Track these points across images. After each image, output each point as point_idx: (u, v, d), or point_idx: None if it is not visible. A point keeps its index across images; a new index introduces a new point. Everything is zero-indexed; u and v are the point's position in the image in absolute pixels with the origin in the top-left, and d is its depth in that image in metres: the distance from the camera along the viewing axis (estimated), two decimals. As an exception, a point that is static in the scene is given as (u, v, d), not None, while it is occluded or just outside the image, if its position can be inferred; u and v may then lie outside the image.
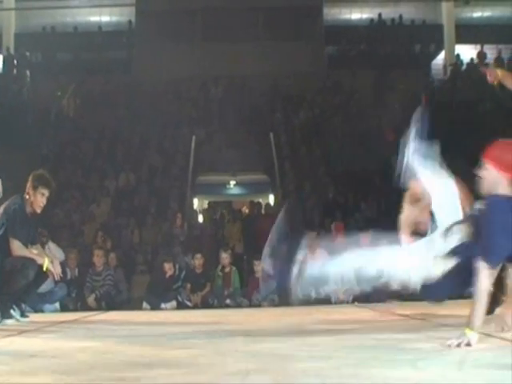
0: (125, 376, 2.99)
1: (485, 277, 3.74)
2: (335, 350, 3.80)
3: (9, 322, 6.52)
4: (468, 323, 3.71)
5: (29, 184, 6.86)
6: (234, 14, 22.86)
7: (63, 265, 9.72)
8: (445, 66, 23.98)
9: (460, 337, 3.66)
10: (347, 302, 10.92)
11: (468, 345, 3.59)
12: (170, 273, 11.34)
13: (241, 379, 2.77)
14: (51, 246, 10.84)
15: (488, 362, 3.03)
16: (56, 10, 24.81)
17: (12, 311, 6.74)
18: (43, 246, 9.59)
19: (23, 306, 7.35)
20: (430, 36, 24.75)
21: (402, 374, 2.80)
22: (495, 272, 3.81)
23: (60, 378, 2.97)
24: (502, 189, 3.87)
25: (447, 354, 3.46)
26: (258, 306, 10.90)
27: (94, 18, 25.71)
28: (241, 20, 22.99)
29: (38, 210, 6.92)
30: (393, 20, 24.74)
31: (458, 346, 3.60)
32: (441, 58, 25.11)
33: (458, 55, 23.91)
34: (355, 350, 3.75)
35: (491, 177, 3.93)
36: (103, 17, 25.87)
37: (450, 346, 3.62)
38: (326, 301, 11.18)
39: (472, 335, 3.66)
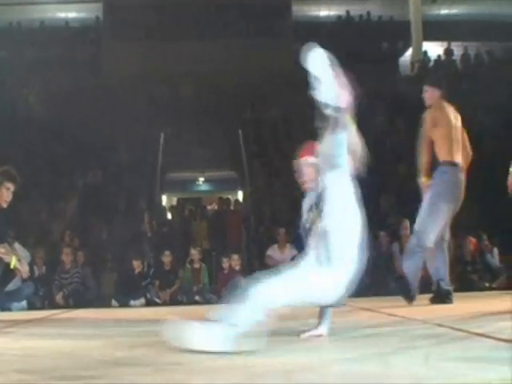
0: (90, 374, 2.98)
1: None
2: (304, 344, 3.80)
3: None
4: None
5: (-6, 180, 6.79)
6: (203, 11, 22.83)
7: (30, 264, 9.67)
8: (412, 63, 24.15)
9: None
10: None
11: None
12: (138, 270, 11.31)
13: (210, 379, 2.77)
14: (17, 246, 10.72)
15: (453, 356, 3.05)
16: (23, 5, 24.61)
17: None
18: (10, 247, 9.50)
19: (-10, 304, 7.29)
20: (397, 33, 24.92)
21: (371, 370, 2.81)
22: None
23: (24, 378, 2.95)
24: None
25: (415, 348, 3.49)
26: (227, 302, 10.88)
27: (61, 14, 25.53)
28: (210, 16, 22.96)
29: (4, 205, 6.84)
30: (361, 16, 24.89)
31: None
32: (408, 54, 25.30)
33: (425, 52, 24.13)
34: (324, 345, 3.76)
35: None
36: (70, 13, 25.71)
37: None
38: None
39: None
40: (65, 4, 25.51)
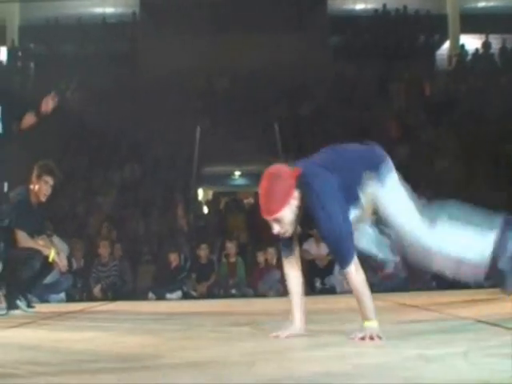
0: (132, 366, 3.00)
1: (356, 270, 3.76)
2: (340, 338, 3.80)
3: (15, 312, 6.55)
4: (364, 317, 3.71)
5: (33, 174, 6.87)
6: (238, 6, 22.81)
7: (69, 257, 9.78)
8: (449, 57, 23.91)
9: (362, 330, 3.63)
10: (352, 292, 10.93)
11: (373, 337, 3.56)
12: (175, 263, 11.37)
13: (246, 369, 2.77)
14: (56, 240, 10.86)
15: (493, 352, 3.02)
16: (60, 1, 24.79)
17: (18, 302, 6.76)
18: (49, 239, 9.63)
19: (29, 296, 7.38)
20: (434, 26, 24.67)
21: (409, 364, 2.80)
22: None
23: (67, 369, 2.99)
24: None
25: (454, 342, 3.47)
26: (264, 295, 10.92)
27: (98, 10, 25.68)
28: (245, 11, 22.93)
29: (43, 199, 6.92)
30: (397, 10, 24.67)
31: (363, 339, 3.56)
32: (445, 48, 25.05)
33: (462, 45, 23.86)
34: (360, 340, 3.75)
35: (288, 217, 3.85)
36: (107, 8, 25.84)
37: (353, 338, 3.61)
38: (330, 291, 11.26)
39: (373, 326, 3.65)
40: (102, -1, 25.69)
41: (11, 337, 4.60)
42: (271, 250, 11.35)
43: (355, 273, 3.76)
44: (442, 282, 11.17)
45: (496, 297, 7.25)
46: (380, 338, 3.55)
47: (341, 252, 3.77)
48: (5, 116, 6.47)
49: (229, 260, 11.72)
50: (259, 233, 13.48)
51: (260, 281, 11.41)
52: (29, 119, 6.67)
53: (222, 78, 21.25)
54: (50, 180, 6.91)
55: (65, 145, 17.87)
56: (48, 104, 6.70)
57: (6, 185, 6.49)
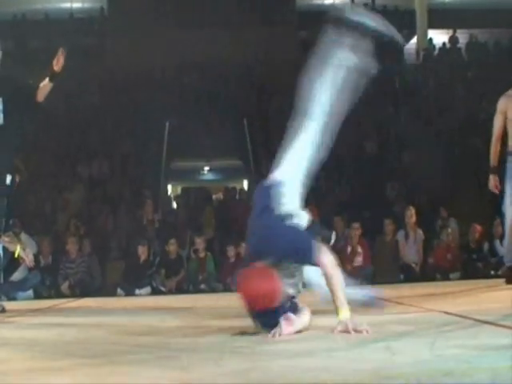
0: (99, 362, 2.99)
1: (326, 254, 3.71)
2: (308, 333, 3.81)
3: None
4: (337, 309, 3.63)
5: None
6: (206, 0, 22.78)
7: (36, 254, 9.70)
8: (417, 51, 24.09)
9: (340, 324, 3.54)
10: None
11: (356, 330, 3.48)
12: (143, 257, 11.31)
13: (213, 364, 2.77)
14: (24, 237, 10.76)
15: (459, 343, 3.05)
16: (27, -4, 24.60)
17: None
18: (16, 237, 9.54)
19: (-4, 294, 7.31)
20: (402, 21, 24.79)
21: (376, 356, 2.82)
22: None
23: (30, 365, 2.96)
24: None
25: (419, 334, 3.50)
26: (234, 290, 10.91)
27: (66, 5, 25.50)
28: (214, 6, 22.89)
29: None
30: (365, 5, 24.72)
31: (344, 332, 3.47)
32: (413, 42, 25.23)
33: (430, 40, 24.05)
34: (328, 334, 3.76)
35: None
36: (74, 3, 25.67)
37: (334, 332, 3.52)
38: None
39: (347, 317, 3.56)
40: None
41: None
42: (245, 245, 11.24)
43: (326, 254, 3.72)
44: (409, 275, 11.29)
45: (464, 289, 7.34)
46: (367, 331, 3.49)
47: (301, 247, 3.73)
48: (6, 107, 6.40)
49: (198, 255, 11.70)
50: (228, 227, 13.49)
51: (230, 276, 11.40)
52: (45, 87, 6.58)
53: (191, 74, 21.18)
54: (15, 177, 6.84)
55: (32, 141, 17.69)
56: (59, 61, 6.59)
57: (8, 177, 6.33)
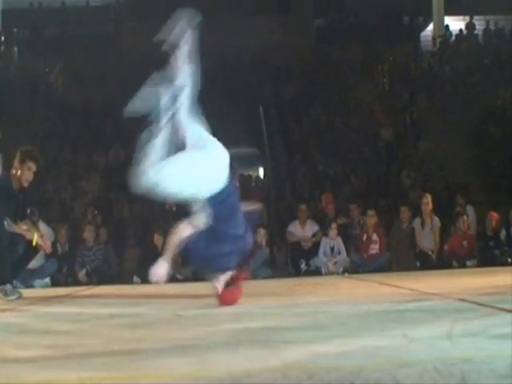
0: (116, 349, 3.00)
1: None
2: (324, 320, 3.81)
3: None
4: None
5: (16, 159, 6.83)
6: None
7: (54, 242, 9.75)
8: (434, 38, 23.92)
9: None
10: (337, 274, 10.99)
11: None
12: (159, 245, 11.33)
13: (231, 351, 2.78)
14: (41, 226, 10.82)
15: (477, 331, 3.05)
16: (43, -15, 24.59)
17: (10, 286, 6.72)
18: (34, 225, 9.59)
19: (14, 281, 7.34)
20: (418, 8, 24.66)
21: (393, 343, 2.82)
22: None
23: (49, 353, 2.98)
24: None
25: (436, 322, 3.49)
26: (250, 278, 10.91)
27: (82, -7, 25.48)
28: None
29: (25, 185, 6.89)
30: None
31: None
32: (430, 29, 25.04)
33: (446, 26, 23.86)
34: (344, 321, 3.77)
35: None
36: (91, -9, 25.63)
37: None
38: (315, 272, 11.29)
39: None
40: (85, -17, 25.47)
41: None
42: (262, 231, 11.24)
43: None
44: (425, 262, 11.26)
45: (480, 276, 7.31)
46: None
47: None
48: None
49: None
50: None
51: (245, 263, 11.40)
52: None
53: (206, 61, 21.12)
54: (32, 166, 6.88)
55: (49, 128, 17.78)
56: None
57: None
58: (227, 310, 4.74)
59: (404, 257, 11.71)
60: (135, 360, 2.69)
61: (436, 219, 11.72)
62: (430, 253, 11.55)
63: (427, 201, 11.71)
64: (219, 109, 18.39)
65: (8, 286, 6.33)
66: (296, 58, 20.85)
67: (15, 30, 23.68)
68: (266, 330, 3.45)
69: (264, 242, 11.38)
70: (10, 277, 6.46)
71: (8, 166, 6.90)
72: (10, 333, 3.84)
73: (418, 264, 11.44)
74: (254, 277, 10.89)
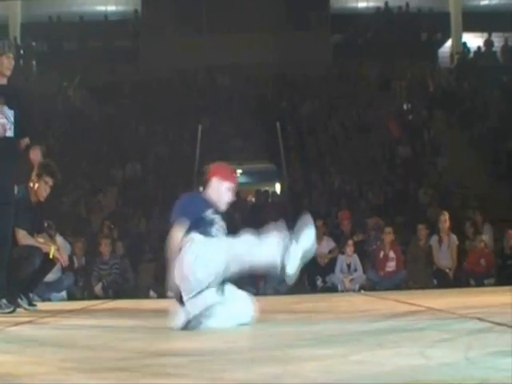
0: (132, 364, 2.99)
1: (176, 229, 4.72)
2: (341, 337, 3.79)
3: (17, 310, 6.53)
4: None
5: (34, 173, 6.87)
6: (240, 3, 22.78)
7: (70, 256, 9.78)
8: (452, 55, 23.90)
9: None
10: (353, 291, 10.94)
11: None
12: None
13: (246, 369, 2.76)
14: (58, 239, 10.86)
15: (495, 350, 3.01)
16: (62, -1, 24.84)
17: (19, 300, 6.74)
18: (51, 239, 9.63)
19: (31, 294, 7.36)
20: (436, 24, 24.64)
21: (410, 362, 2.79)
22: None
23: (65, 366, 2.97)
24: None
25: (454, 341, 3.46)
26: (264, 294, 10.91)
27: (100, 7, 25.67)
28: (247, 9, 22.91)
29: (42, 199, 6.94)
30: (399, 8, 24.63)
31: None
32: (448, 46, 25.02)
33: (464, 43, 23.82)
34: (361, 338, 3.74)
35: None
36: (109, 6, 25.83)
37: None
38: (332, 289, 11.25)
39: None
40: (104, -3, 25.70)
41: (11, 336, 4.58)
42: None
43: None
44: (442, 280, 11.19)
45: (498, 295, 7.26)
46: None
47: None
48: (19, 120, 6.48)
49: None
50: (260, 230, 13.47)
51: (262, 279, 11.39)
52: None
53: (224, 76, 21.23)
54: (49, 181, 6.93)
55: (66, 142, 17.87)
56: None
57: (16, 188, 6.45)
58: (243, 326, 4.72)
59: (421, 274, 11.65)
60: (153, 374, 2.68)
61: (453, 237, 11.66)
62: (447, 271, 11.48)
63: (445, 218, 11.66)
64: (236, 124, 18.46)
65: (3, 301, 6.30)
66: (313, 73, 20.87)
67: (34, 43, 23.89)
68: (282, 347, 3.43)
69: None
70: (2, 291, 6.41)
71: (26, 179, 6.93)
72: (29, 346, 3.84)
73: (435, 282, 11.38)
74: (273, 293, 10.90)
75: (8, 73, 6.63)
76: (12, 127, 6.40)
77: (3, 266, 6.27)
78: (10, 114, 6.42)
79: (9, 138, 6.31)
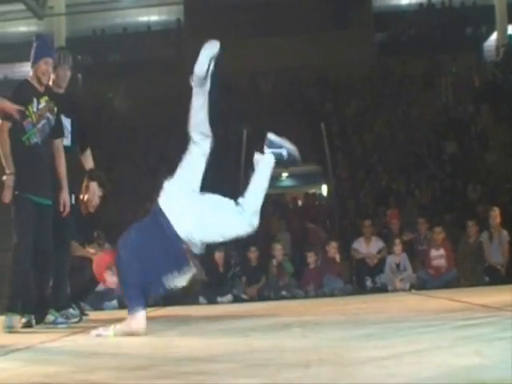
0: (187, 370, 2.99)
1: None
2: (394, 338, 3.74)
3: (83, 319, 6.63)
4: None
5: (83, 184, 6.94)
6: (281, 7, 22.79)
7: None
8: (497, 47, 23.57)
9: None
10: (404, 290, 10.84)
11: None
12: (220, 263, 11.38)
13: (301, 371, 2.74)
14: (107, 247, 10.93)
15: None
16: (105, 12, 25.13)
17: (71, 310, 6.80)
18: (101, 248, 9.71)
19: (82, 304, 7.43)
20: (481, 17, 24.34)
21: (466, 361, 2.74)
22: None
23: (121, 375, 2.98)
24: None
25: (510, 340, 3.39)
26: (314, 296, 10.87)
27: (143, 18, 25.94)
28: (289, 12, 22.90)
29: (92, 210, 7.00)
30: (443, 3, 24.41)
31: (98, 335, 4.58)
32: (493, 39, 24.70)
33: (510, 36, 23.50)
34: (414, 338, 3.69)
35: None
36: (152, 16, 26.09)
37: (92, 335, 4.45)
38: (381, 289, 11.16)
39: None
40: (146, 8, 25.91)
41: (64, 345, 4.62)
42: (334, 244, 11.54)
43: None
44: (494, 277, 11.01)
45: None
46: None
47: None
48: (75, 129, 6.59)
49: (276, 262, 11.69)
50: (307, 233, 13.45)
51: (310, 282, 11.36)
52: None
53: (266, 80, 21.25)
54: (99, 192, 6.99)
55: (113, 152, 18.04)
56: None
57: (73, 197, 6.52)
58: (295, 328, 4.69)
59: (472, 272, 11.49)
60: (206, 380, 2.68)
61: (504, 233, 11.49)
62: (499, 267, 11.31)
63: (495, 214, 11.49)
64: (281, 127, 18.41)
65: (70, 311, 6.39)
66: (357, 72, 20.76)
67: (79, 57, 24.21)
68: (335, 349, 3.40)
69: (338, 258, 11.46)
70: (69, 302, 6.52)
71: (76, 189, 6.98)
72: (82, 356, 3.87)
73: (486, 279, 11.21)
74: (321, 295, 10.87)
75: (64, 84, 6.72)
76: (69, 136, 6.50)
77: (66, 275, 6.37)
78: (67, 122, 6.52)
79: (66, 146, 6.42)
